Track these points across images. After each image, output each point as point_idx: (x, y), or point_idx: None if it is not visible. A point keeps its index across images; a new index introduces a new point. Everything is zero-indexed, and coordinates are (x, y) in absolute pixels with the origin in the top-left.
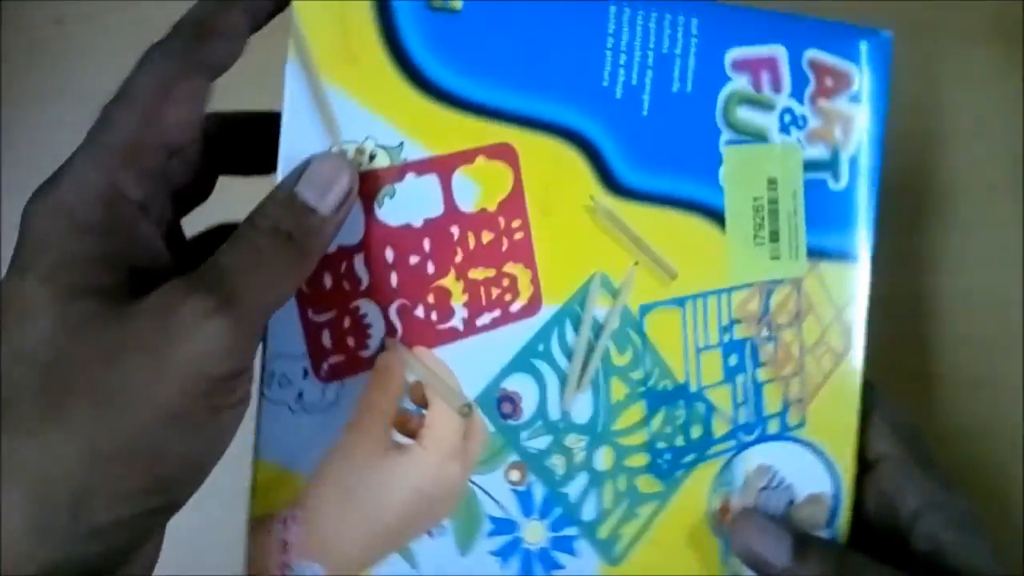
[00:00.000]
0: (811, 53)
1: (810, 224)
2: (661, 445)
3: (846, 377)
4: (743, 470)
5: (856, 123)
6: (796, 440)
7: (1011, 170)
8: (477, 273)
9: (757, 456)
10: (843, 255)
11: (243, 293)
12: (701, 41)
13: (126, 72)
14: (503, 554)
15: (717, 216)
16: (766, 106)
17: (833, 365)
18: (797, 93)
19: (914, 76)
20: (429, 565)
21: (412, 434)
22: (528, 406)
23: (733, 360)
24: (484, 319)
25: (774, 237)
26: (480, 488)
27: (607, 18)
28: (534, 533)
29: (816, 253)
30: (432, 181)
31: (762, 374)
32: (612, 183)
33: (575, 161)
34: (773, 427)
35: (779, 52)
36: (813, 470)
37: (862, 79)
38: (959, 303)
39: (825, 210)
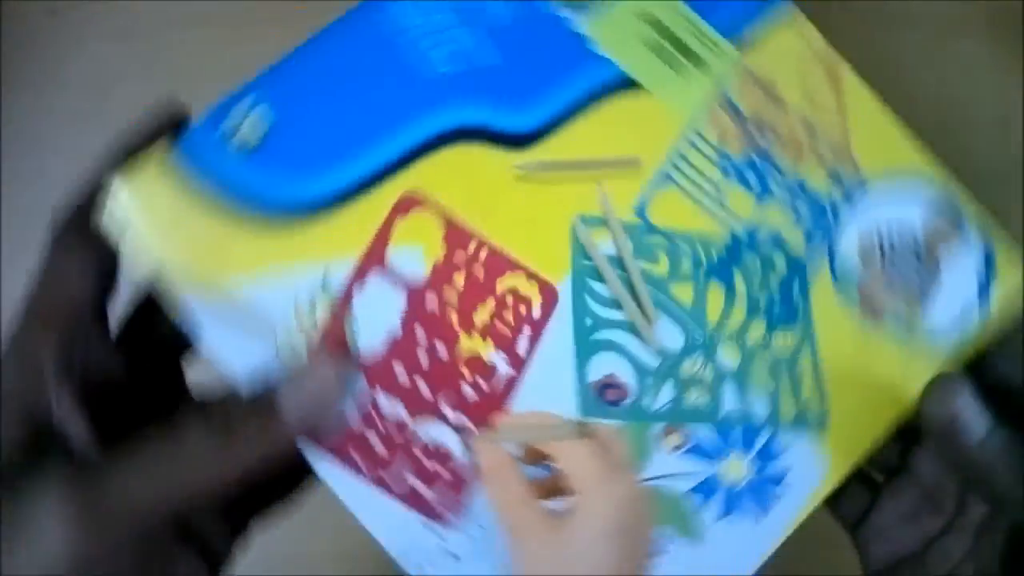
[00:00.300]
0: None
1: (710, 15)
2: (763, 300)
3: (858, 97)
4: (850, 255)
5: None
6: (869, 189)
7: (1011, 163)
8: (481, 314)
9: (850, 234)
10: (760, 11)
11: (122, 500)
12: None
13: (118, 61)
14: (730, 508)
15: (626, 83)
16: None
17: (837, 97)
18: None
19: (915, 69)
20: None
21: (562, 491)
22: (627, 376)
23: (752, 178)
24: (522, 344)
25: (687, 53)
26: (657, 478)
27: (396, 18)
28: (735, 469)
29: (733, 34)
30: (377, 281)
31: (788, 166)
32: (517, 140)
33: (472, 152)
34: (838, 194)
35: None
36: (907, 194)
37: None
38: None
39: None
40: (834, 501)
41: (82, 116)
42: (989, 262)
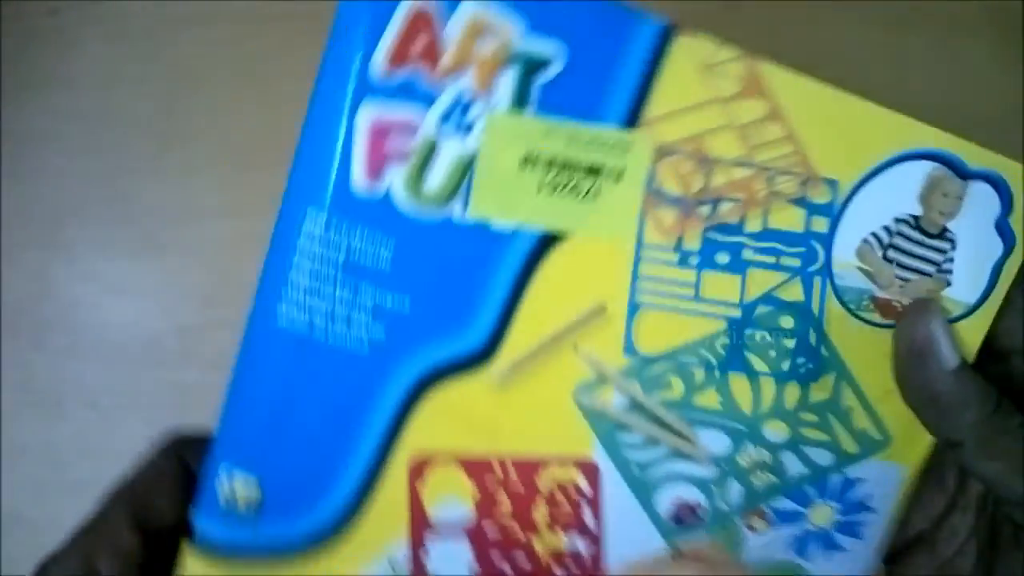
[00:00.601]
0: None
1: (590, 113)
2: (786, 365)
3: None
4: (850, 271)
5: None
6: (844, 192)
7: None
8: (540, 515)
9: (842, 249)
10: (639, 72)
11: None
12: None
13: (119, 61)
14: (828, 546)
15: (548, 240)
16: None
17: (770, 105)
18: None
19: (916, 70)
20: None
21: None
22: (693, 494)
23: (722, 256)
24: (589, 520)
25: (588, 172)
26: (762, 559)
27: (292, 322)
28: (822, 515)
29: (627, 116)
30: (435, 541)
31: (752, 220)
32: (479, 356)
33: (446, 390)
34: (816, 218)
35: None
36: (887, 173)
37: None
38: None
39: (562, 100)
40: None
41: (82, 115)
42: (1002, 192)
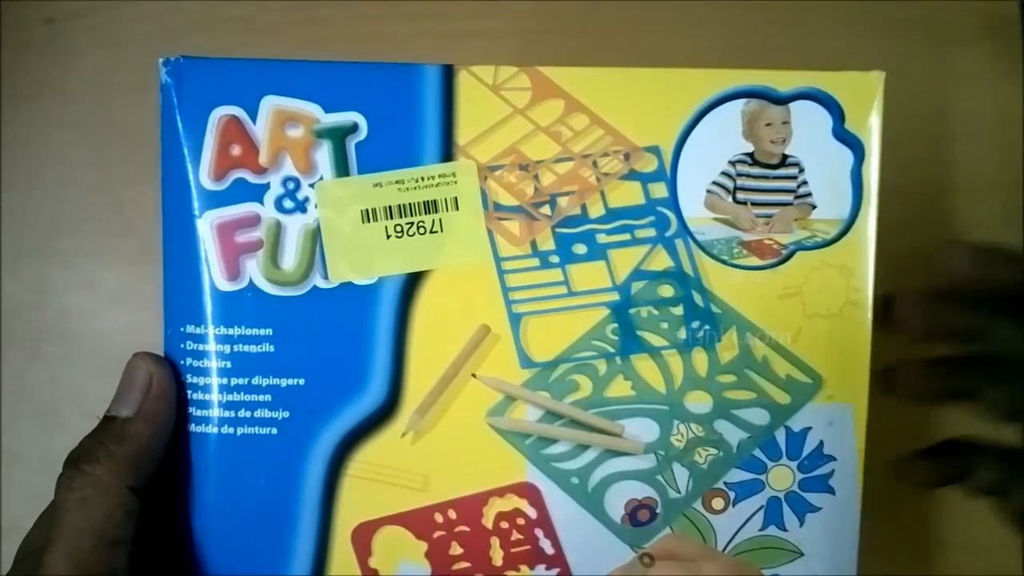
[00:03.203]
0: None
1: (408, 157)
2: (683, 333)
3: (581, 83)
4: (706, 225)
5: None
6: (665, 152)
7: (1010, 171)
8: (496, 554)
9: (688, 206)
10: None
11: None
12: None
13: (115, 70)
14: (801, 510)
15: (412, 280)
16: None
17: (567, 100)
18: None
19: (914, 77)
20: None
21: None
22: (640, 490)
23: (579, 247)
24: (546, 545)
25: (424, 209)
26: (733, 540)
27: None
28: (782, 478)
29: (442, 150)
30: None
31: (594, 207)
32: (384, 411)
33: (364, 455)
34: (652, 186)
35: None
36: (703, 123)
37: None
38: None
39: (379, 156)
40: (965, 487)
41: (79, 124)
42: (827, 104)
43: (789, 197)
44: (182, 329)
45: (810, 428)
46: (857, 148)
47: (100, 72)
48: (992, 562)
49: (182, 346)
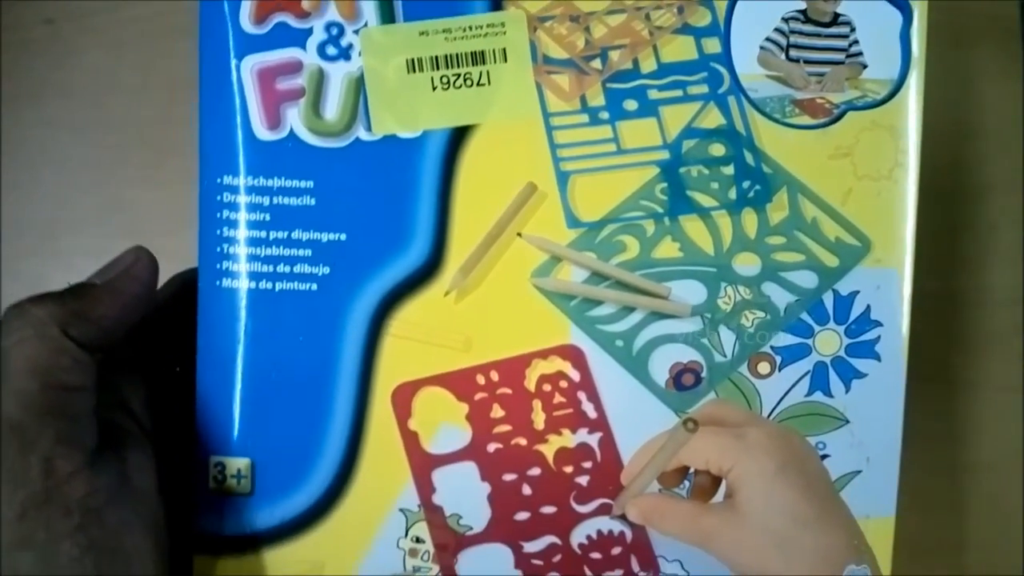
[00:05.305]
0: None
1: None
2: (733, 193)
3: None
4: (759, 81)
5: None
6: (724, 24)
7: (1010, 171)
8: (538, 417)
9: (742, 61)
10: None
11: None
12: None
13: (116, 71)
14: (847, 376)
15: (459, 134)
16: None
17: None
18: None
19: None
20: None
21: (716, 482)
22: (686, 353)
23: (630, 103)
24: (589, 409)
25: (472, 60)
26: (779, 405)
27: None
28: (829, 342)
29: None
30: (441, 473)
31: (646, 61)
32: (428, 269)
33: (407, 312)
34: (705, 41)
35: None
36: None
37: None
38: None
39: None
40: None
41: (79, 125)
42: None
43: (840, 56)
44: (218, 180)
45: (858, 292)
46: (906, 10)
47: (100, 72)
48: (992, 562)
49: (218, 198)
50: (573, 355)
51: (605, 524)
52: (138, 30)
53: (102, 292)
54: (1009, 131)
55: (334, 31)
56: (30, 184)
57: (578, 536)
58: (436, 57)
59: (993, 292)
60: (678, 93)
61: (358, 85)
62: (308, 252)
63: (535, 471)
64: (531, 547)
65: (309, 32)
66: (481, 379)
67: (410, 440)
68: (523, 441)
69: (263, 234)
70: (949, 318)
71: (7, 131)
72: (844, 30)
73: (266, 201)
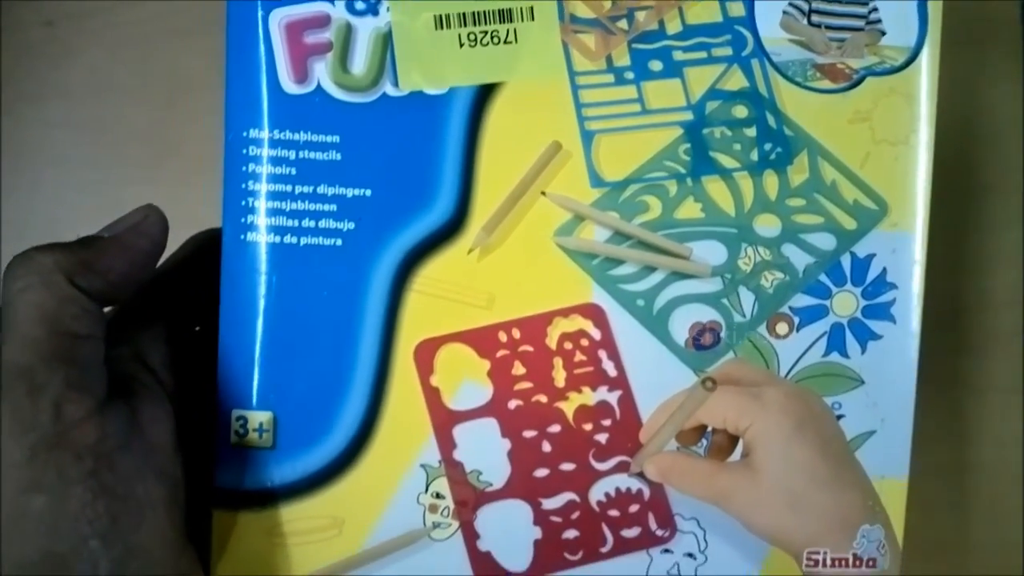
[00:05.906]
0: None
1: None
2: (755, 154)
3: None
4: (782, 45)
5: None
6: None
7: (1011, 171)
8: (558, 375)
9: (766, 26)
10: None
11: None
12: None
13: (117, 72)
14: (863, 337)
15: (484, 92)
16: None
17: None
18: None
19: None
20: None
21: (733, 441)
22: (706, 313)
23: (655, 64)
24: (609, 367)
25: (499, 17)
26: (796, 365)
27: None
28: (845, 304)
29: None
30: (461, 430)
31: (671, 23)
32: (452, 226)
33: (430, 269)
34: (737, 10)
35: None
36: None
37: None
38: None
39: None
40: None
41: (78, 126)
42: None
43: (860, 23)
44: (244, 134)
45: (874, 255)
46: None
47: (99, 73)
48: (992, 562)
49: (244, 151)
50: (594, 313)
51: (623, 482)
52: (137, 31)
53: (109, 244)
54: (1011, 132)
55: None
56: (30, 184)
57: (596, 493)
58: (464, 14)
59: (994, 293)
60: (703, 55)
61: (386, 40)
62: (333, 207)
63: (555, 428)
64: (550, 504)
65: None
66: (503, 336)
67: (432, 396)
68: (543, 398)
69: (288, 188)
70: (950, 319)
71: (7, 131)
72: None
73: (292, 155)
